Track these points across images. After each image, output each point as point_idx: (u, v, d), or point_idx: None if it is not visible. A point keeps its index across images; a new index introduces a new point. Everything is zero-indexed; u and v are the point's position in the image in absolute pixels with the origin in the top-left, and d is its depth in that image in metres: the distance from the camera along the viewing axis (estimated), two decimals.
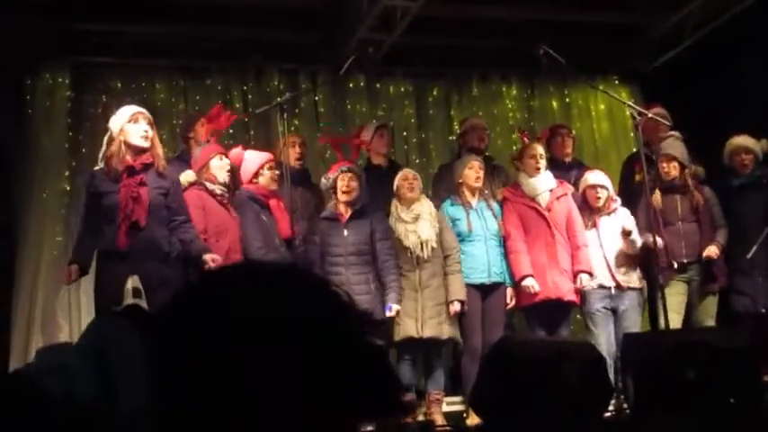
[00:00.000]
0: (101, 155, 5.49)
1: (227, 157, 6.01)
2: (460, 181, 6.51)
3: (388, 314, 6.02)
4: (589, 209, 6.65)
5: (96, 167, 5.54)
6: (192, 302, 1.04)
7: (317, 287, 1.08)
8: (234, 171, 6.03)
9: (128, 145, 5.36)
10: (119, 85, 7.83)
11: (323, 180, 6.36)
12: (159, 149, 5.54)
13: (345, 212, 6.20)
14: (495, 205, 6.57)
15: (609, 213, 6.64)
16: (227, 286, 1.06)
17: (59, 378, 0.99)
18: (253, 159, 6.26)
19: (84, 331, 1.03)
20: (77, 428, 0.97)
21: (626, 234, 6.43)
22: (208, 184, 5.79)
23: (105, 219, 5.30)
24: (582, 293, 6.47)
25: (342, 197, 6.19)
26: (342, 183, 6.20)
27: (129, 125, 5.39)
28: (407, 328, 6.06)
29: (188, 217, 5.51)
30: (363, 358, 1.04)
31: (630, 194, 7.01)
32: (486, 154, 7.29)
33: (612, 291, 6.48)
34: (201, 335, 0.99)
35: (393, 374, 1.07)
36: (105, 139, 5.52)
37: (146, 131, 5.42)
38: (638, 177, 7.05)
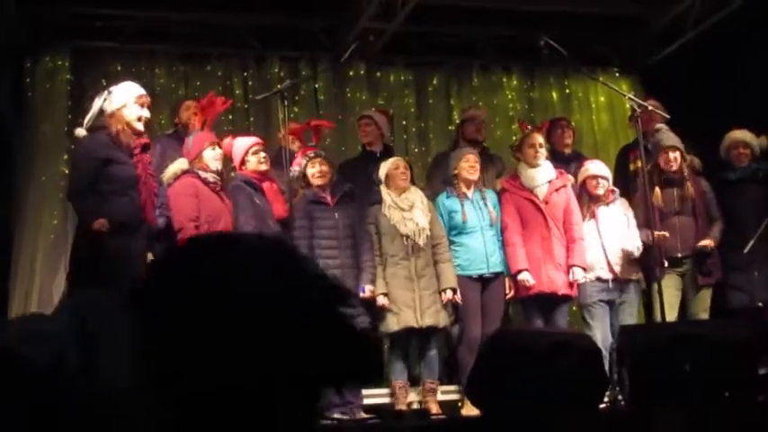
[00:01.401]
0: (88, 120, 5.43)
1: (219, 146, 6.02)
2: (455, 173, 6.51)
3: (362, 296, 6.00)
4: (588, 199, 6.65)
5: (84, 134, 5.44)
6: (174, 274, 1.05)
7: (294, 257, 1.09)
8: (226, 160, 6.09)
9: (126, 124, 5.36)
10: (119, 69, 7.81)
11: (292, 171, 6.16)
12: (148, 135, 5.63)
13: (326, 195, 6.17)
14: (490, 195, 6.56)
15: (607, 204, 6.64)
16: (206, 257, 1.06)
17: (44, 346, 0.99)
18: (239, 146, 6.28)
19: (63, 302, 1.02)
20: (67, 399, 0.97)
21: (629, 253, 6.47)
22: (201, 173, 5.82)
23: (111, 188, 5.21)
24: (579, 285, 6.47)
25: (316, 182, 6.16)
26: (312, 170, 6.18)
27: (135, 106, 5.40)
28: (407, 318, 6.06)
29: (164, 199, 5.62)
30: (337, 327, 1.05)
31: (626, 184, 7.02)
32: (484, 144, 7.29)
33: (610, 284, 6.49)
34: (184, 307, 1.00)
35: (366, 343, 1.09)
36: (99, 104, 5.42)
37: (147, 117, 5.47)
38: (632, 167, 7.06)
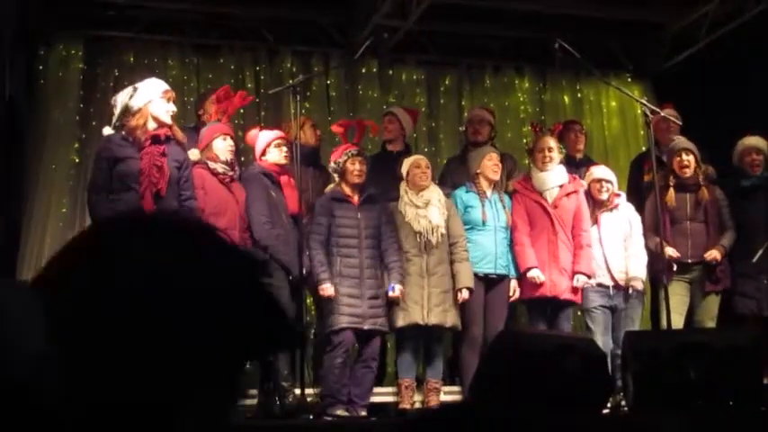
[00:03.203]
0: (116, 119, 5.49)
1: (231, 138, 6.03)
2: (478, 171, 6.52)
3: (391, 294, 6.05)
4: (592, 204, 6.64)
5: (109, 132, 5.53)
6: (79, 260, 1.05)
7: (205, 233, 1.10)
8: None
9: (154, 119, 5.41)
10: (131, 59, 7.84)
11: (332, 164, 6.33)
12: (176, 125, 5.66)
13: (353, 195, 6.20)
14: (507, 198, 6.58)
15: (611, 209, 6.62)
16: (114, 239, 1.07)
17: None
18: (263, 137, 6.31)
19: None
20: None
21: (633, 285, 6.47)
22: (210, 163, 5.83)
23: (120, 185, 5.30)
24: (582, 291, 6.46)
25: (354, 180, 6.19)
26: (353, 167, 6.20)
27: (161, 101, 5.45)
28: (413, 314, 6.07)
29: (193, 193, 5.57)
30: (253, 296, 1.07)
31: (639, 194, 6.99)
32: (494, 143, 7.26)
33: (611, 290, 6.48)
34: (90, 293, 1.01)
35: (282, 309, 1.12)
36: (123, 103, 5.48)
37: (174, 111, 5.55)
38: (647, 177, 7.02)
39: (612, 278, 6.47)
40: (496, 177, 6.53)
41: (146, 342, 0.99)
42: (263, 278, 1.10)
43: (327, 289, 5.90)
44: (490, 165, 6.50)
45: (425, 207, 6.26)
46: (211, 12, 8.00)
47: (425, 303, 6.10)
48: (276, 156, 6.18)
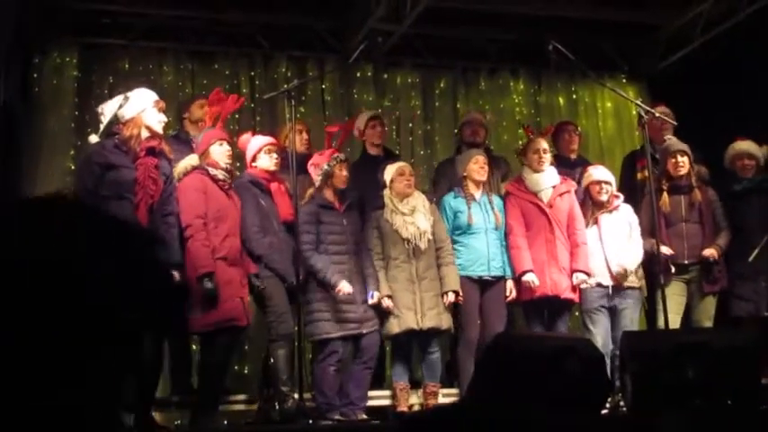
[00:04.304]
0: (104, 127, 5.47)
1: (228, 142, 5.99)
2: (465, 174, 6.52)
3: (371, 301, 6.06)
4: (591, 205, 6.64)
5: (96, 140, 5.50)
6: None
7: (97, 214, 1.13)
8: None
9: (147, 128, 5.41)
10: (126, 66, 7.83)
11: (324, 167, 6.23)
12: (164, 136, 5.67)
13: (335, 201, 6.18)
14: (496, 199, 6.57)
15: (611, 210, 6.62)
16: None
17: None
18: (253, 143, 6.27)
19: None
20: None
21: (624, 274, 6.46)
22: (210, 169, 5.78)
23: (111, 193, 5.24)
24: (580, 291, 6.47)
25: (340, 186, 6.17)
26: (341, 173, 6.18)
27: (153, 111, 5.45)
28: (408, 320, 6.07)
29: (175, 208, 5.53)
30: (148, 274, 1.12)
31: (632, 192, 7.00)
32: (488, 146, 7.26)
33: (610, 290, 6.48)
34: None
35: (175, 286, 1.17)
36: (114, 110, 5.46)
37: (165, 121, 5.56)
38: (640, 176, 7.04)
39: (613, 278, 6.47)
40: (483, 179, 6.53)
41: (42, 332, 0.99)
42: (158, 257, 1.14)
43: (345, 286, 5.90)
44: (476, 167, 6.50)
45: (411, 214, 6.26)
46: (206, 18, 8.01)
47: (419, 308, 6.10)
48: (266, 162, 6.15)
